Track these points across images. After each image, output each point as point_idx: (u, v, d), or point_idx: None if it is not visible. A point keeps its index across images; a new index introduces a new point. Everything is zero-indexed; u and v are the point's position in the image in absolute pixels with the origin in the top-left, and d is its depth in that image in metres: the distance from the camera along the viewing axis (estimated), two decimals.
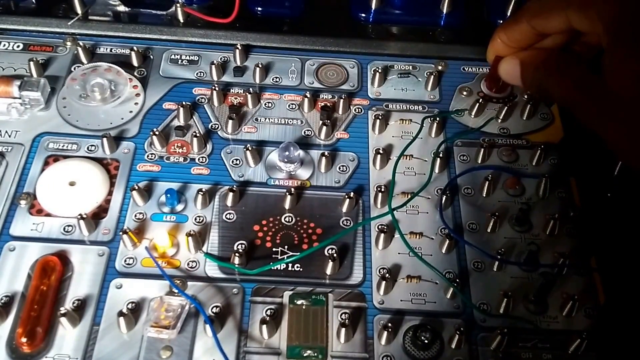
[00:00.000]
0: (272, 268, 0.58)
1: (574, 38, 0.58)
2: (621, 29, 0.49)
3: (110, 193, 0.62)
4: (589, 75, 0.51)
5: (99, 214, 0.61)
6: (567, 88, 0.52)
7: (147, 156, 0.65)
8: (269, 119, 0.69)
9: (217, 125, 0.68)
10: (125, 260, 0.58)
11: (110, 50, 0.74)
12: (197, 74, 0.73)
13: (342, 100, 0.69)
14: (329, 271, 0.59)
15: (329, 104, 0.71)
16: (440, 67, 0.74)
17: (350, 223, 0.62)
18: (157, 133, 0.65)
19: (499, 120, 0.70)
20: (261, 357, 0.54)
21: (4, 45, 0.73)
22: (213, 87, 0.69)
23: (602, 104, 0.49)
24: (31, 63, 0.69)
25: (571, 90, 0.52)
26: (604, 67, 0.49)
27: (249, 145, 0.65)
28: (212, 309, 0.56)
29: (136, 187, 0.61)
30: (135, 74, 0.72)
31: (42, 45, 0.74)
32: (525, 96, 0.71)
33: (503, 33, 0.60)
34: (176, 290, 0.56)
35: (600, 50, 0.50)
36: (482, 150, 0.66)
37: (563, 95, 0.53)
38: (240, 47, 0.73)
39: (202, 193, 0.61)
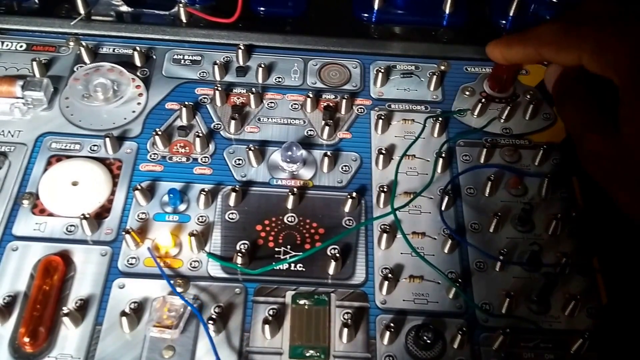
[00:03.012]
0: (275, 268, 0.58)
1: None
2: (634, 90, 0.47)
3: (112, 193, 0.62)
4: (603, 123, 0.49)
5: (102, 213, 0.61)
6: (578, 129, 0.51)
7: (150, 156, 0.65)
8: (271, 118, 0.69)
9: (219, 125, 0.68)
10: (127, 260, 0.58)
11: (113, 50, 0.74)
12: (199, 74, 0.73)
13: (344, 100, 0.69)
14: (331, 271, 0.59)
15: (331, 104, 0.71)
16: (442, 67, 0.74)
17: (352, 223, 0.62)
18: (159, 133, 0.65)
19: (502, 120, 0.70)
20: (263, 357, 0.54)
21: (7, 45, 0.73)
22: (216, 87, 0.69)
23: (613, 160, 0.48)
24: (34, 63, 0.69)
25: (581, 132, 0.50)
26: (620, 117, 0.48)
27: (251, 145, 0.65)
28: (214, 308, 0.56)
29: (139, 187, 0.61)
30: (138, 74, 0.72)
31: (44, 45, 0.74)
32: (528, 96, 0.71)
33: (505, 48, 0.59)
34: (175, 294, 0.56)
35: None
36: (485, 150, 0.66)
37: (572, 132, 0.52)
38: (242, 47, 0.73)
39: (204, 193, 0.61)
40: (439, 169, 0.65)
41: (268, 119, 0.69)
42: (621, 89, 0.48)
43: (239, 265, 0.58)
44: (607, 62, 0.50)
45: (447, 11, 0.79)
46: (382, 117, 0.68)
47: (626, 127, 0.47)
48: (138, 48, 0.72)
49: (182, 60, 0.74)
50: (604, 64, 0.50)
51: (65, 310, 0.53)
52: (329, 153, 0.65)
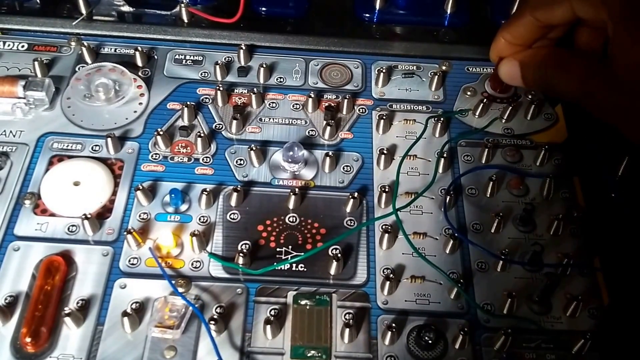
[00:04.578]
0: (276, 268, 0.58)
1: (580, 33, 0.57)
2: (626, 15, 0.48)
3: (114, 193, 0.62)
4: (595, 65, 0.51)
5: (103, 213, 0.61)
6: (575, 81, 0.52)
7: (152, 156, 0.65)
8: (273, 119, 0.69)
9: (221, 126, 0.68)
10: (129, 260, 0.58)
11: (115, 51, 0.74)
12: (201, 74, 0.73)
13: (346, 101, 0.70)
14: (332, 271, 0.59)
15: (333, 104, 0.71)
16: (444, 67, 0.74)
17: (354, 223, 0.62)
18: (161, 133, 0.65)
19: (503, 121, 0.70)
20: (265, 357, 0.54)
21: (9, 45, 0.73)
22: (217, 87, 0.69)
23: (612, 93, 0.49)
24: (36, 63, 0.69)
25: (579, 83, 0.51)
26: (611, 55, 0.49)
27: (253, 145, 0.65)
28: (216, 309, 0.56)
29: (140, 187, 0.61)
30: (140, 74, 0.72)
31: (46, 45, 0.74)
32: (530, 96, 0.71)
33: (506, 31, 0.59)
34: (176, 294, 0.56)
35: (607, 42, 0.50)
36: (486, 150, 0.66)
37: (571, 90, 0.52)
38: (244, 47, 0.73)
39: (206, 193, 0.61)
40: (440, 169, 0.65)
41: (269, 119, 0.69)
42: (612, 22, 0.49)
43: (240, 266, 0.58)
44: (597, 1, 0.51)
45: (449, 11, 0.79)
46: (384, 117, 0.68)
47: (619, 56, 0.48)
48: (140, 48, 0.73)
49: (184, 61, 0.74)
50: (595, 4, 0.51)
51: (66, 310, 0.53)
52: (330, 153, 0.65)
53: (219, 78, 0.72)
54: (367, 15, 0.79)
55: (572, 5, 0.53)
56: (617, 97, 0.49)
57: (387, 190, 0.63)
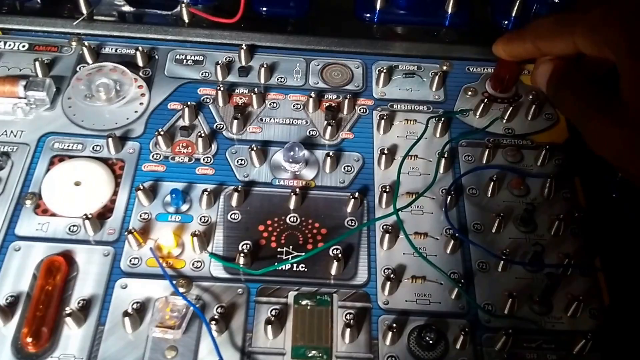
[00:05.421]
0: (277, 268, 0.58)
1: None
2: (631, 55, 0.48)
3: (115, 193, 0.62)
4: (599, 95, 0.50)
5: (104, 214, 0.61)
6: (574, 104, 0.51)
7: (152, 156, 0.65)
8: (273, 119, 0.69)
9: (222, 126, 0.68)
10: (130, 261, 0.58)
11: (116, 51, 0.74)
12: (202, 74, 0.73)
13: (346, 101, 0.69)
14: (333, 271, 0.59)
15: (333, 104, 0.71)
16: (445, 67, 0.74)
17: (355, 223, 0.62)
18: (162, 133, 0.65)
19: (504, 121, 0.70)
20: (266, 357, 0.54)
21: (10, 45, 0.73)
22: (218, 87, 0.69)
23: (619, 130, 0.48)
24: (36, 63, 0.69)
25: (578, 107, 0.51)
26: (622, 90, 0.48)
27: (253, 145, 0.65)
28: (216, 309, 0.56)
29: (141, 187, 0.61)
30: (141, 74, 0.72)
31: (47, 45, 0.74)
32: (530, 96, 0.71)
33: (506, 45, 0.59)
34: (177, 294, 0.56)
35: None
36: (487, 150, 0.66)
37: (568, 110, 0.52)
38: (245, 47, 0.73)
39: (207, 193, 0.61)
40: (441, 169, 0.65)
41: (270, 119, 0.69)
42: (619, 63, 0.49)
43: (241, 266, 0.58)
44: (601, 39, 0.50)
45: (449, 11, 0.79)
46: (385, 117, 0.68)
47: (629, 97, 0.48)
48: (140, 48, 0.73)
49: (185, 61, 0.74)
50: (598, 42, 0.50)
51: (67, 310, 0.53)
52: (331, 153, 0.65)
53: (220, 78, 0.72)
54: (368, 15, 0.79)
55: (575, 41, 0.52)
56: (619, 132, 0.48)
57: (387, 190, 0.63)
